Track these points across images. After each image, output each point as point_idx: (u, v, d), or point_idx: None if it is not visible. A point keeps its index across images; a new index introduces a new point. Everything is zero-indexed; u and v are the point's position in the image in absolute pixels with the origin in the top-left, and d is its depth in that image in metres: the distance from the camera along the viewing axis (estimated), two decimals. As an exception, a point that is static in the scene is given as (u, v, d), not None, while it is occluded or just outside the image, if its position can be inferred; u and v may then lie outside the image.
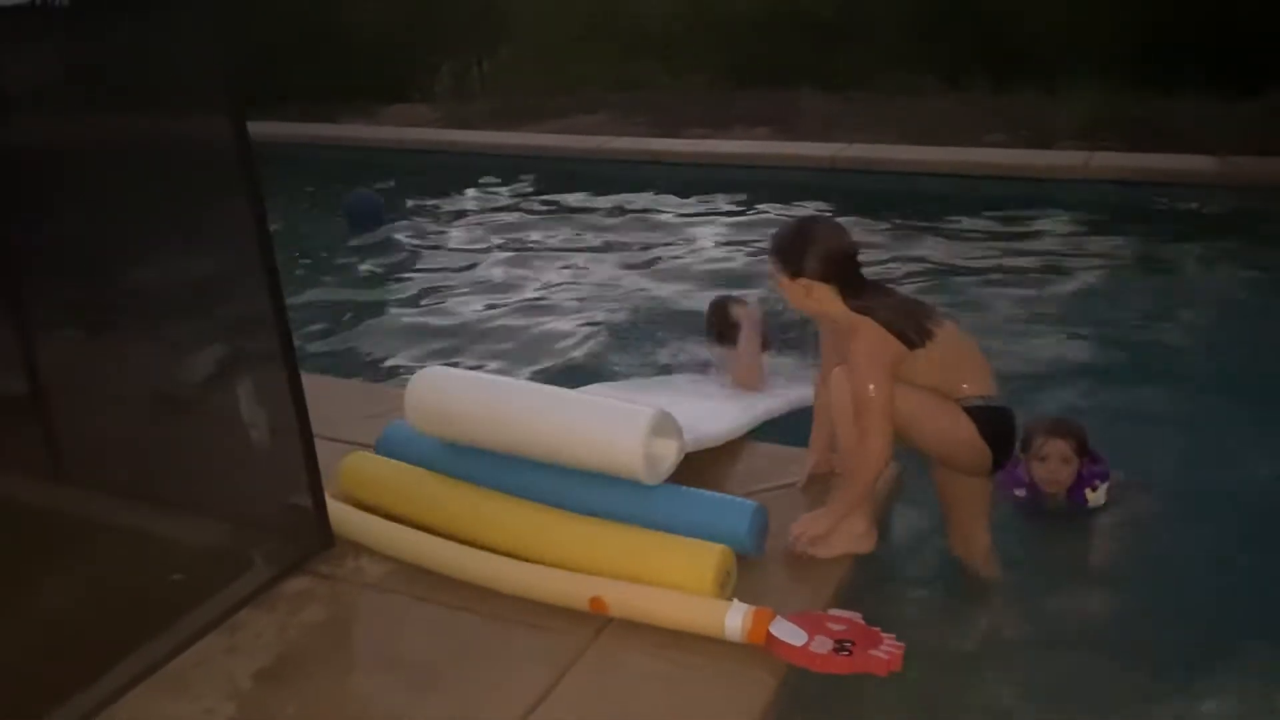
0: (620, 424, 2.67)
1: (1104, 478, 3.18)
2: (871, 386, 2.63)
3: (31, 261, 2.89)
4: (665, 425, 2.70)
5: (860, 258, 2.79)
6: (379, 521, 2.86)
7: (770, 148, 8.05)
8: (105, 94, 2.63)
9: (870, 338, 2.68)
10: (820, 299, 2.74)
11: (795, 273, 2.72)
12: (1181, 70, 7.53)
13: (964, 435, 2.73)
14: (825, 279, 2.71)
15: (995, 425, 2.76)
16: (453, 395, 2.97)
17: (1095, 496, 3.17)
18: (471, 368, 4.58)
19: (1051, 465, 3.14)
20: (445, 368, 3.20)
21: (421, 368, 4.55)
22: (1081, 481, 3.17)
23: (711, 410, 3.42)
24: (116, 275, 2.86)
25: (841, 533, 2.74)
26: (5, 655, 2.33)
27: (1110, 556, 3.21)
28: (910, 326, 2.71)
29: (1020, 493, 3.22)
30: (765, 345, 4.02)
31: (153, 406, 2.87)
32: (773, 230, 2.91)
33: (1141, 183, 6.66)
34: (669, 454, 2.72)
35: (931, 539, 3.15)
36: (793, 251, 2.73)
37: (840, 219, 6.45)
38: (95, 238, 2.78)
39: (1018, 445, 2.99)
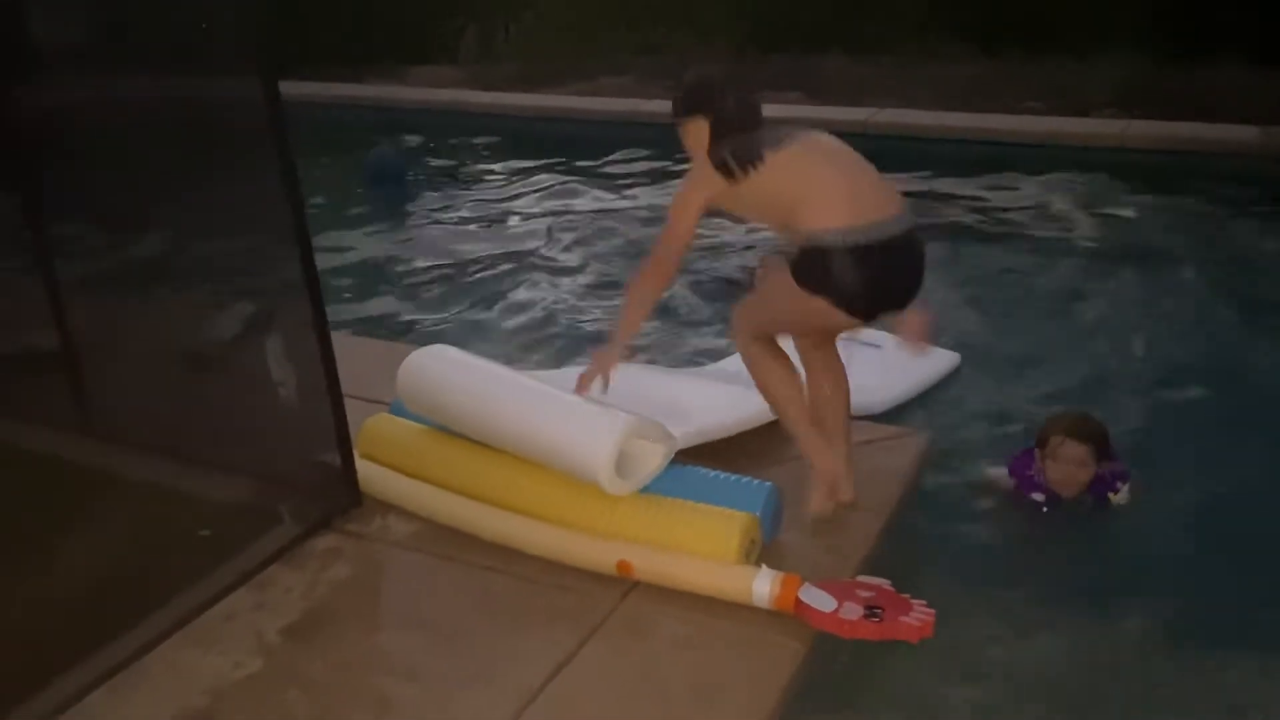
0: (587, 447, 2.55)
1: (1125, 478, 3.03)
2: (676, 216, 2.68)
3: (63, 220, 2.90)
4: (643, 432, 2.60)
5: (743, 98, 2.71)
6: (407, 481, 2.85)
7: (802, 111, 7.90)
8: (137, 53, 2.62)
9: (694, 170, 2.70)
10: (697, 137, 2.70)
11: (676, 113, 2.74)
12: (1220, 38, 7.36)
13: (792, 306, 2.63)
14: (691, 111, 2.70)
15: (837, 263, 2.49)
16: (438, 391, 2.89)
17: (1118, 499, 3.01)
18: (492, 332, 4.58)
19: (1066, 469, 2.96)
20: (433, 354, 3.00)
21: (442, 329, 4.64)
22: (1103, 484, 3.00)
23: (729, 397, 3.33)
24: (147, 234, 2.86)
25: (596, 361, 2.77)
26: (39, 605, 2.35)
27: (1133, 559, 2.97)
28: (738, 157, 2.61)
29: (1039, 497, 3.03)
30: None
31: (183, 364, 2.88)
32: None
33: (1180, 151, 6.54)
34: (653, 460, 2.63)
35: (962, 509, 3.13)
36: (678, 98, 2.75)
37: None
38: (127, 197, 2.77)
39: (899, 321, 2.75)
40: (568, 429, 2.63)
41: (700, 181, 2.68)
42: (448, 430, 2.92)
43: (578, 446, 2.58)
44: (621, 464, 2.57)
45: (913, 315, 2.73)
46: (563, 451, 2.62)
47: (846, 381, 2.92)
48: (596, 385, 2.76)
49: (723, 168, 2.63)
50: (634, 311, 2.76)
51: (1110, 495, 3.01)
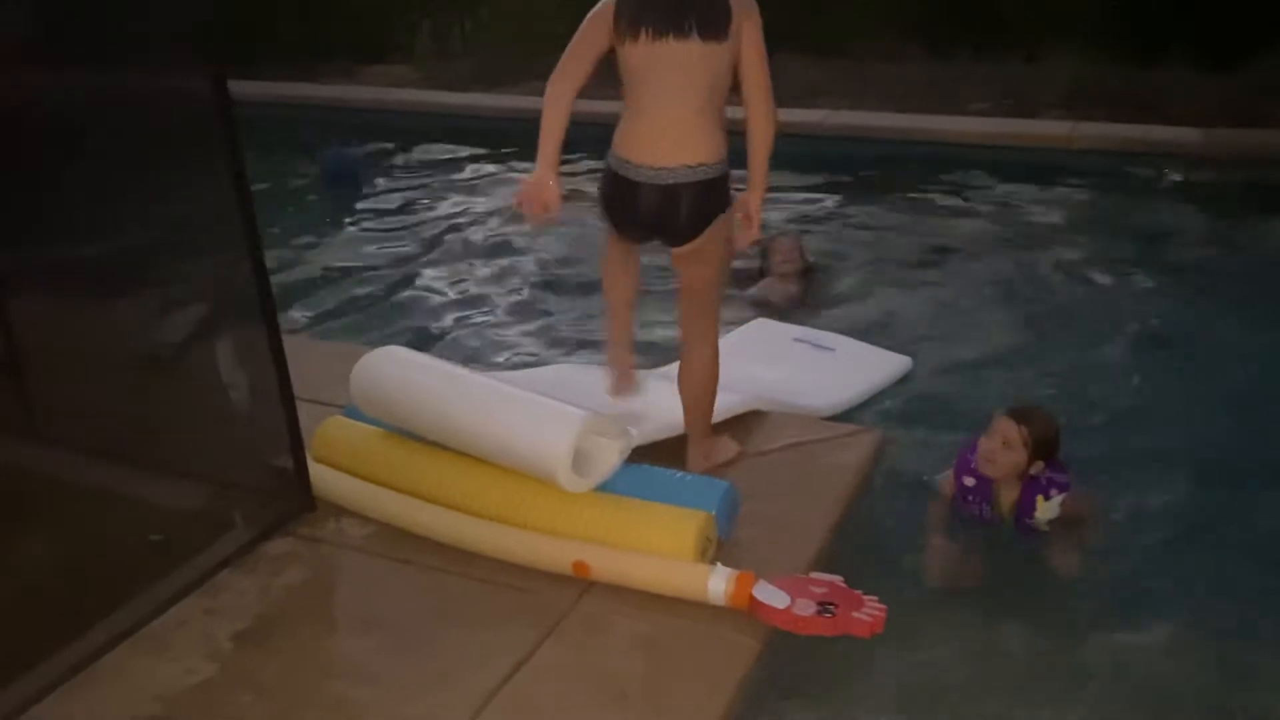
0: (543, 444, 2.55)
1: (1062, 489, 2.91)
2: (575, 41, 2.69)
3: (5, 221, 2.83)
4: (599, 429, 2.61)
5: None
6: (362, 484, 2.84)
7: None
8: (80, 49, 2.57)
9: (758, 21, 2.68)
10: None
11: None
12: (1165, 41, 7.52)
13: None
14: None
15: (603, 180, 2.82)
16: (392, 393, 2.86)
17: (1045, 508, 2.91)
18: (448, 334, 4.56)
19: (993, 442, 2.88)
20: (386, 355, 2.98)
21: (398, 331, 4.60)
22: (1036, 487, 2.91)
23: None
24: (93, 235, 2.81)
25: None
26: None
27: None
28: (631, 13, 2.61)
29: (969, 481, 2.98)
30: (805, 270, 4.84)
31: (132, 367, 2.84)
32: None
33: (1126, 153, 6.66)
34: (610, 457, 2.63)
35: (914, 505, 3.18)
36: None
37: (826, 186, 6.53)
38: (71, 196, 2.72)
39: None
40: (524, 426, 2.62)
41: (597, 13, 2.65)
42: (403, 433, 2.90)
43: (534, 444, 2.58)
44: (578, 461, 2.58)
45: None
46: (519, 449, 2.61)
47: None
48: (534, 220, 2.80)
49: (618, 20, 2.61)
50: (766, 172, 2.76)
51: (1039, 500, 2.90)
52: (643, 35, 2.59)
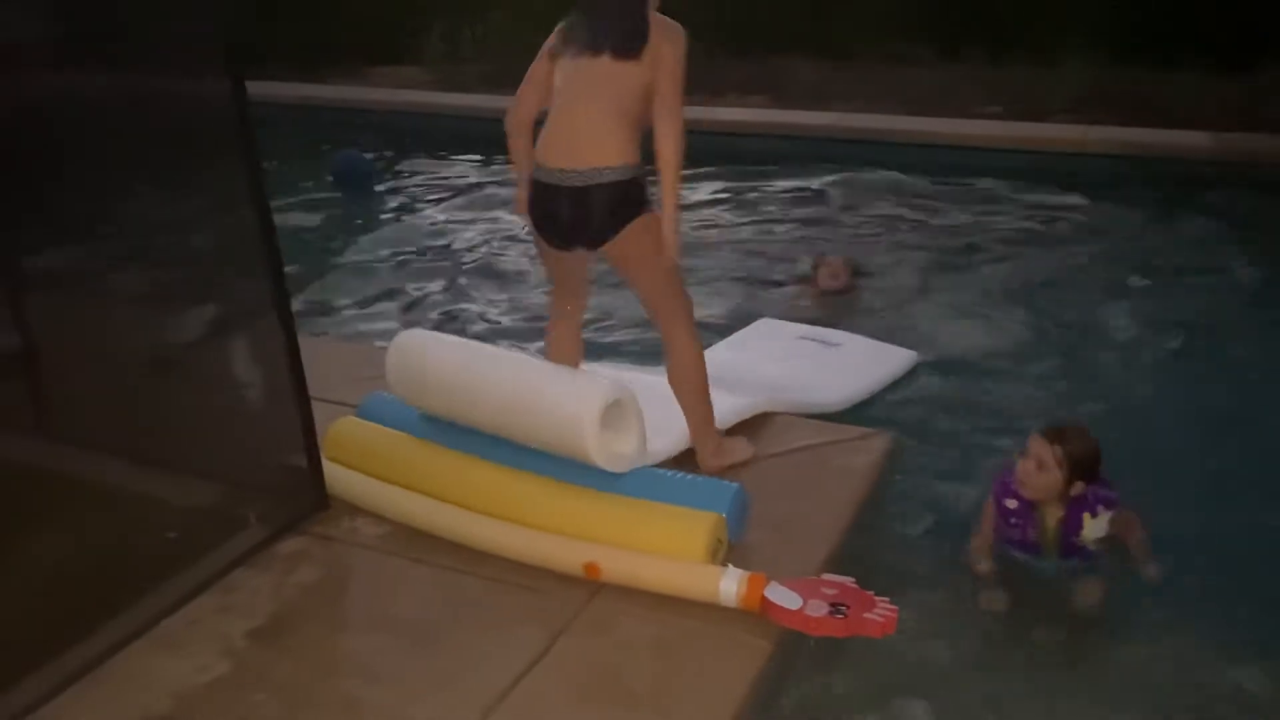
0: (573, 405, 2.62)
1: (1110, 505, 2.76)
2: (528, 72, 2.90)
3: (24, 220, 2.85)
4: (621, 413, 2.65)
5: None
6: (376, 483, 2.85)
7: (765, 115, 8.00)
8: (99, 49, 2.58)
9: (678, 40, 2.79)
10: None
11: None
12: (1176, 45, 7.50)
13: None
14: None
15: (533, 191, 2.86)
16: (428, 366, 2.91)
17: (1093, 525, 2.76)
18: (460, 334, 4.57)
19: (1028, 465, 2.76)
20: (423, 333, 3.11)
21: (411, 327, 4.60)
22: (1081, 505, 2.76)
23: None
24: (112, 235, 2.83)
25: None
26: (2, 610, 2.32)
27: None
28: (566, 34, 2.83)
29: (1011, 503, 2.84)
30: (848, 288, 4.84)
31: (147, 366, 2.85)
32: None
33: (1138, 157, 6.65)
34: (626, 448, 2.67)
35: (925, 508, 3.17)
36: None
37: (835, 189, 6.53)
38: (88, 195, 2.74)
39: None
40: (554, 389, 2.68)
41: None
42: (425, 426, 2.93)
43: (565, 404, 2.62)
44: (605, 440, 2.61)
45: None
46: (549, 410, 2.65)
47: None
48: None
49: (559, 32, 2.83)
50: (676, 172, 2.77)
51: (1085, 517, 2.76)
52: (568, 54, 2.82)
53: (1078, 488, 2.74)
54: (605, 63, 2.75)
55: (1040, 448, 2.75)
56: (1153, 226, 5.74)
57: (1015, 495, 2.82)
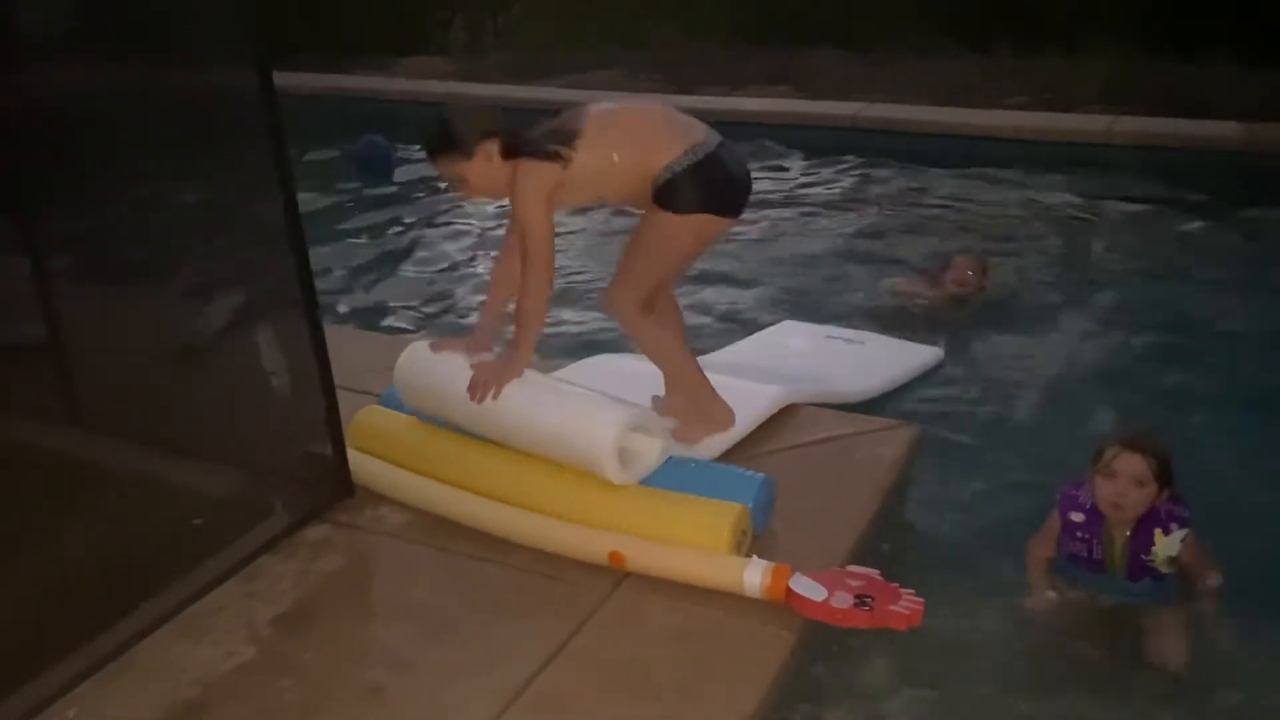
0: (590, 434, 2.57)
1: (1183, 524, 2.56)
2: (530, 209, 2.65)
3: (52, 210, 2.88)
4: (642, 424, 2.63)
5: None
6: (401, 472, 2.85)
7: (790, 105, 7.96)
8: (128, 40, 2.60)
9: (527, 173, 2.66)
10: (488, 158, 2.68)
11: (467, 149, 2.68)
12: (1205, 35, 7.40)
13: (682, 241, 2.81)
14: (483, 137, 2.67)
15: (695, 182, 2.72)
16: (434, 381, 2.86)
17: (1165, 543, 2.56)
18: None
19: (1120, 485, 2.53)
20: (430, 346, 2.97)
21: (432, 318, 4.63)
22: (1153, 520, 2.56)
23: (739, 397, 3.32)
24: (138, 224, 2.85)
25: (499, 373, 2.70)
26: (26, 598, 2.34)
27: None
28: (556, 141, 2.68)
29: (1077, 517, 2.66)
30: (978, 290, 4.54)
31: (173, 354, 2.87)
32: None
33: (1166, 148, 6.58)
34: (650, 454, 2.64)
35: (950, 500, 3.15)
36: (454, 131, 2.70)
37: (858, 179, 6.49)
38: (117, 187, 2.76)
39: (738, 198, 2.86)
40: (569, 421, 2.63)
41: (536, 179, 2.66)
42: (441, 422, 2.91)
43: (580, 437, 2.59)
44: (622, 455, 2.58)
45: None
46: (565, 443, 2.62)
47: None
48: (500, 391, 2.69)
49: (553, 155, 2.67)
50: (529, 325, 2.70)
51: (1157, 534, 2.56)
52: (577, 128, 2.76)
53: (1160, 496, 2.55)
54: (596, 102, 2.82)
55: (1133, 464, 2.52)
56: (1181, 218, 5.68)
57: (1081, 508, 2.65)
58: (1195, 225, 5.57)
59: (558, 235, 2.81)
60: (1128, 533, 2.61)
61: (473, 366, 2.68)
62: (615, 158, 2.72)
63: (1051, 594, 2.70)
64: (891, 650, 2.47)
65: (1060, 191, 6.16)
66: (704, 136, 2.77)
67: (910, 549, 2.94)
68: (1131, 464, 2.53)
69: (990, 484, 3.22)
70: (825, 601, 2.31)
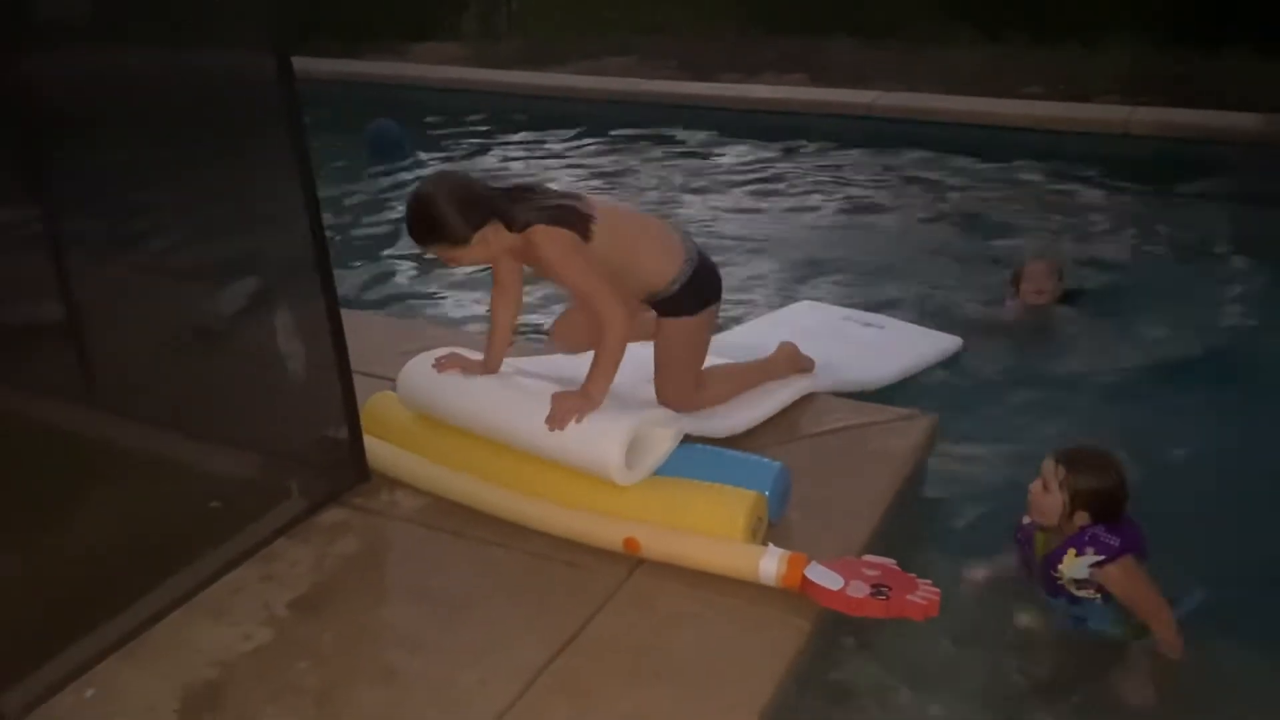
0: (596, 449, 2.57)
1: (1103, 550, 2.45)
2: (580, 276, 2.67)
3: (71, 192, 2.89)
4: (650, 421, 2.63)
5: (487, 181, 2.80)
6: (417, 458, 2.86)
7: (805, 93, 7.92)
8: (148, 24, 2.60)
9: (551, 239, 2.66)
10: (495, 240, 2.67)
11: (464, 237, 2.63)
12: (1223, 26, 7.35)
13: (703, 334, 3.02)
14: (483, 220, 2.63)
15: (697, 287, 2.93)
16: (439, 398, 2.87)
17: (1072, 564, 2.47)
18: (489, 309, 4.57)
19: (1033, 484, 2.56)
20: (428, 365, 2.93)
21: (444, 305, 4.63)
22: (1076, 539, 2.49)
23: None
24: (157, 207, 2.85)
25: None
26: (46, 578, 2.36)
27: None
28: (574, 220, 2.70)
29: (1026, 519, 2.65)
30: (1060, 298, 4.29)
31: (190, 337, 2.88)
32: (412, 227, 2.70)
33: (1184, 139, 6.53)
34: (661, 445, 2.64)
35: (966, 490, 3.15)
36: (446, 222, 2.62)
37: (873, 167, 6.46)
38: (137, 170, 2.76)
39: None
40: (575, 435, 2.60)
41: (562, 244, 2.67)
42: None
43: (587, 451, 2.59)
44: (631, 451, 2.58)
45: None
46: (571, 454, 2.62)
47: None
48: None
49: (573, 226, 2.68)
50: (606, 371, 2.68)
51: (1070, 551, 2.48)
52: (595, 216, 2.79)
53: (1081, 518, 2.50)
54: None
55: (1048, 468, 2.54)
56: (1198, 209, 5.64)
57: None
58: (1212, 216, 5.53)
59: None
60: (1051, 546, 2.56)
61: (553, 398, 2.67)
62: (622, 251, 2.79)
63: (981, 573, 2.75)
64: (906, 637, 2.46)
65: (1077, 182, 6.12)
66: (689, 245, 2.94)
67: (926, 539, 2.94)
68: (1047, 467, 2.54)
69: (1009, 474, 3.21)
70: (841, 590, 2.31)
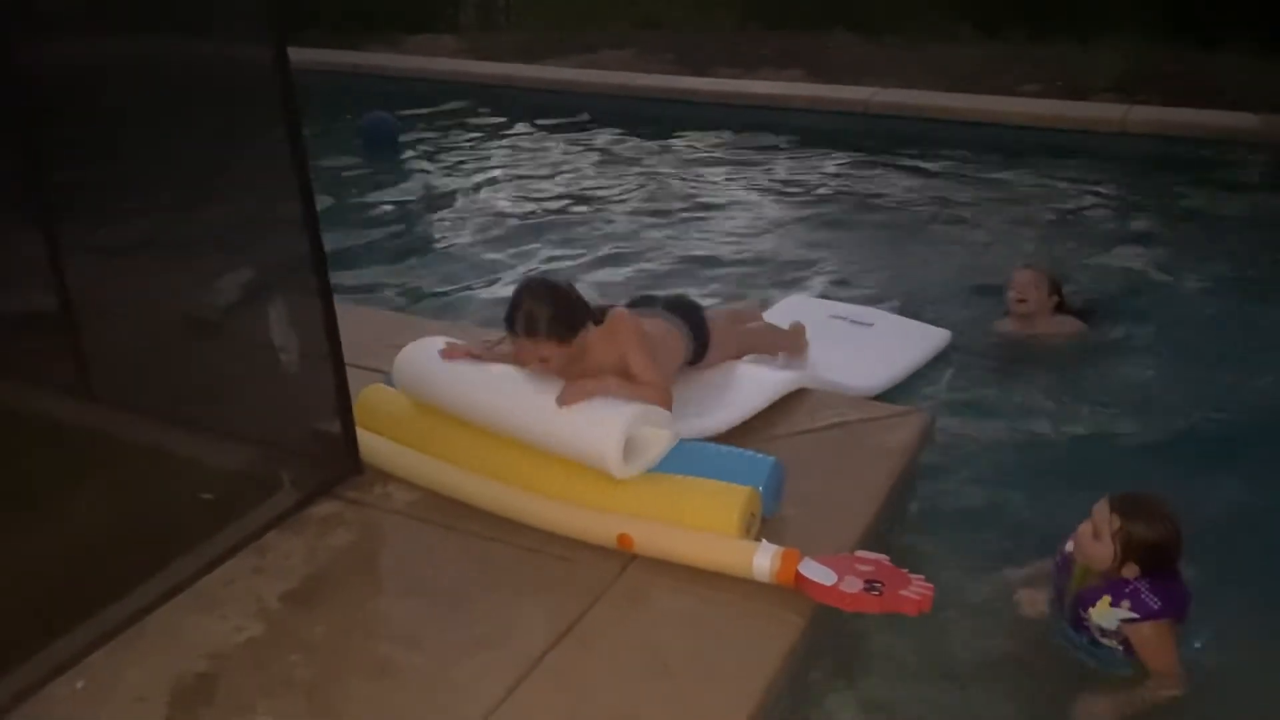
0: (594, 440, 2.56)
1: (1141, 609, 2.37)
2: (645, 356, 2.86)
3: (66, 181, 2.87)
4: (646, 419, 2.63)
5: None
6: (410, 451, 2.85)
7: (803, 89, 7.92)
8: (144, 13, 2.59)
9: (626, 321, 2.89)
10: (579, 340, 2.79)
11: (571, 332, 2.75)
12: (1222, 25, 7.36)
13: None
14: (582, 324, 2.78)
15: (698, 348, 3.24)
16: (437, 387, 2.86)
17: (1104, 613, 2.41)
18: (485, 298, 4.57)
19: (1083, 527, 2.45)
20: (425, 348, 2.93)
21: (439, 296, 4.62)
22: (1116, 587, 2.40)
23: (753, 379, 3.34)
24: (151, 197, 2.84)
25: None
26: (37, 569, 2.35)
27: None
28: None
29: (1068, 548, 2.56)
30: (1055, 309, 4.11)
31: (184, 328, 2.87)
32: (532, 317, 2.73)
33: (1180, 138, 6.53)
34: (657, 445, 2.63)
35: (959, 488, 3.15)
36: (562, 319, 2.73)
37: (870, 163, 6.46)
38: (131, 159, 2.75)
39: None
40: (573, 425, 2.60)
41: (635, 326, 2.90)
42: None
43: (584, 441, 2.58)
44: (627, 448, 2.57)
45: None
46: (569, 446, 2.62)
47: None
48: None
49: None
50: (633, 394, 2.73)
51: (1105, 598, 2.41)
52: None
53: (1130, 570, 2.39)
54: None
55: (1100, 514, 2.42)
56: (1195, 208, 5.65)
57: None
58: (1210, 215, 5.53)
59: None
60: (1088, 584, 2.49)
61: (567, 380, 2.70)
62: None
63: (1023, 598, 2.67)
64: (898, 633, 2.46)
65: (1073, 180, 6.12)
66: (686, 330, 3.20)
67: (920, 535, 2.94)
68: (1100, 514, 2.42)
69: (1006, 478, 3.21)
70: (835, 586, 2.31)
